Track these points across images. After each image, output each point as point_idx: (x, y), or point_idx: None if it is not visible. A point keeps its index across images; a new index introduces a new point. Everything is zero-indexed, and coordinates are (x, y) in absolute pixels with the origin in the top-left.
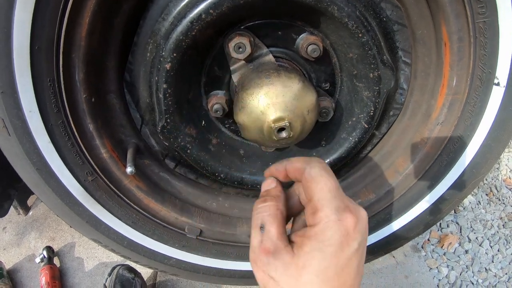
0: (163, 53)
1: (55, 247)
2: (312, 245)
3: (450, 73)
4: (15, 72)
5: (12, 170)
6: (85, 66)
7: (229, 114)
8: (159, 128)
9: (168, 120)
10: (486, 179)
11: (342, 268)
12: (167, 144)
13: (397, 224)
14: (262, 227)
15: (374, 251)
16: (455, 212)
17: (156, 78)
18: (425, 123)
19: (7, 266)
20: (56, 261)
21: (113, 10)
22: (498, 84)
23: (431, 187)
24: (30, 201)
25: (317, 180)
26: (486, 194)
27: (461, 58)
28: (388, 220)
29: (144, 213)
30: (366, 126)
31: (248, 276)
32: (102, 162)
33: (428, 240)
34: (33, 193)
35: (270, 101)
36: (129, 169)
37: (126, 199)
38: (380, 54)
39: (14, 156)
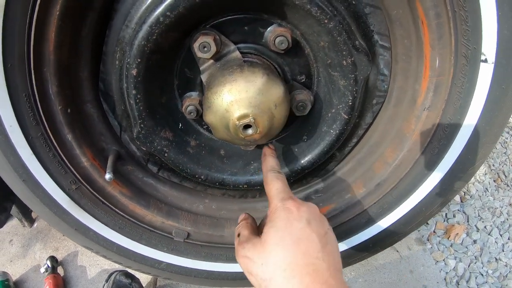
0: (129, 60)
1: (59, 257)
2: (268, 226)
3: (432, 54)
4: None
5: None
6: (57, 79)
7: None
8: (134, 134)
9: (142, 125)
10: (493, 165)
11: (298, 238)
12: (144, 148)
13: (390, 218)
14: (238, 235)
15: (369, 247)
16: (461, 201)
17: (125, 85)
18: (412, 110)
19: (14, 277)
20: (60, 270)
21: (78, 22)
22: (485, 61)
23: (423, 177)
24: (34, 214)
25: (269, 184)
26: (494, 180)
27: (441, 36)
28: (380, 214)
29: (130, 218)
30: (346, 117)
31: (240, 278)
32: (84, 170)
33: (434, 231)
34: None
35: (233, 98)
36: (107, 176)
37: (111, 206)
38: (351, 40)
39: (2, 169)
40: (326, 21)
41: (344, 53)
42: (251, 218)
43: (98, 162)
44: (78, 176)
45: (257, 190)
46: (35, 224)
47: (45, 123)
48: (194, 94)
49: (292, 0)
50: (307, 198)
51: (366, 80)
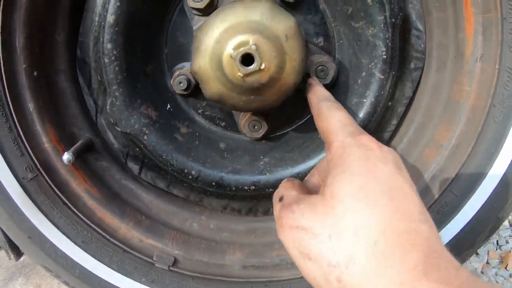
0: (107, 6)
1: None
2: (333, 173)
3: None
4: None
5: None
6: (27, 30)
7: (200, 94)
8: (107, 106)
9: (117, 94)
10: None
11: (389, 188)
12: (118, 127)
13: (455, 226)
14: (281, 198)
15: None
16: (511, 226)
17: (101, 39)
18: (460, 67)
19: None
20: None
21: None
22: None
23: (491, 158)
24: None
25: (327, 116)
26: None
27: None
28: (440, 222)
29: (98, 229)
30: (382, 77)
31: None
32: (44, 154)
33: (487, 263)
34: None
35: (229, 24)
36: (65, 156)
37: (73, 208)
38: None
39: None
40: None
41: None
42: (296, 180)
43: (63, 146)
44: (36, 162)
45: (270, 198)
46: (22, 258)
47: (5, 82)
48: (187, 65)
49: None
50: None
51: (400, 27)
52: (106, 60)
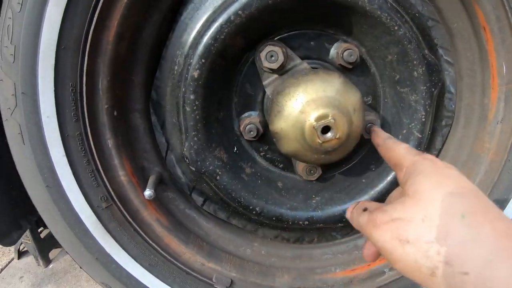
0: (192, 61)
1: None
2: (410, 180)
3: (498, 60)
4: (38, 72)
5: (29, 200)
6: (110, 74)
7: (264, 139)
8: (185, 148)
9: (196, 139)
10: None
11: (459, 180)
12: (193, 168)
13: None
14: (364, 209)
15: None
16: None
17: (183, 89)
18: (483, 127)
19: None
20: None
21: (142, 18)
22: None
23: (504, 203)
24: (52, 254)
25: (394, 148)
26: None
27: (504, 40)
28: None
29: (164, 254)
30: (420, 136)
31: None
32: (119, 186)
33: None
34: (57, 246)
35: (310, 98)
36: (148, 193)
37: (143, 235)
38: (421, 48)
39: (25, 168)
40: (396, 28)
41: (414, 62)
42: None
43: (136, 179)
44: (112, 192)
45: (316, 231)
46: (51, 265)
47: (87, 121)
48: (254, 114)
49: (361, 6)
50: (354, 248)
51: (437, 95)
52: (188, 109)
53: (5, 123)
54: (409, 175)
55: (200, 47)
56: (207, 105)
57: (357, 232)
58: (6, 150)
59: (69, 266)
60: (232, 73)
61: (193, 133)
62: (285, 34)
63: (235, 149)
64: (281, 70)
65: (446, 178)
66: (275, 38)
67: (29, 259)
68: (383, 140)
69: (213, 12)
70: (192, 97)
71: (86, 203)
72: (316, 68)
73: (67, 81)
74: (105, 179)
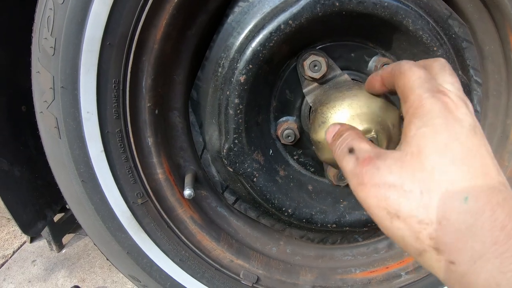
0: (238, 65)
1: None
2: (415, 124)
3: None
4: (81, 67)
5: (54, 190)
6: (154, 73)
7: (298, 144)
8: (224, 150)
9: (236, 141)
10: None
11: (468, 149)
12: (232, 169)
13: None
14: (351, 150)
15: None
16: None
17: (228, 93)
18: (504, 145)
19: None
20: None
21: (189, 19)
22: None
23: None
24: (65, 239)
25: (405, 73)
26: None
27: None
28: None
29: (196, 250)
30: None
31: None
32: (156, 184)
33: None
34: (69, 231)
35: (355, 113)
36: (187, 192)
37: (177, 231)
38: (455, 69)
39: (59, 163)
40: (435, 48)
41: None
42: (353, 127)
43: (173, 177)
44: (149, 189)
45: (340, 233)
46: (64, 250)
47: (128, 118)
48: (291, 119)
49: (405, 26)
50: (390, 246)
51: None
52: (231, 112)
53: (39, 116)
54: (412, 116)
55: (248, 52)
56: (249, 109)
57: (377, 235)
58: (33, 140)
59: (83, 252)
60: (274, 78)
61: (234, 135)
62: (327, 44)
63: (271, 152)
64: (322, 79)
65: (455, 139)
66: (318, 47)
67: (41, 243)
68: (397, 64)
69: (262, 19)
70: (236, 101)
71: (121, 198)
72: (356, 80)
73: (110, 78)
74: (142, 176)
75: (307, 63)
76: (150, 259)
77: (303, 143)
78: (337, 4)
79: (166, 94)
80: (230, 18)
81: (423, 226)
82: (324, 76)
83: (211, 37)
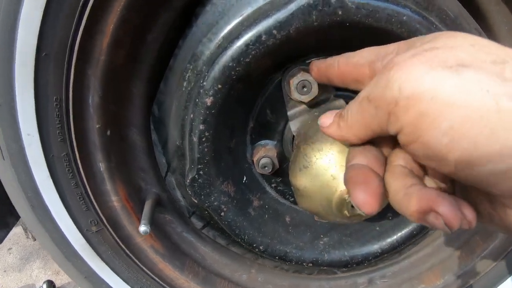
0: (204, 83)
1: (58, 283)
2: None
3: None
4: (15, 82)
5: None
6: (103, 88)
7: (278, 172)
8: (188, 181)
9: (201, 172)
10: None
11: None
12: (196, 201)
13: None
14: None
15: None
16: None
17: (192, 116)
18: None
19: None
20: None
21: (146, 21)
22: None
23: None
24: None
25: (348, 58)
26: None
27: None
28: None
29: (157, 279)
30: None
31: None
32: (111, 211)
33: None
34: None
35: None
36: (142, 228)
37: (136, 260)
38: None
39: (7, 184)
40: None
41: None
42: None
43: (131, 204)
44: (103, 217)
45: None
46: None
47: (74, 141)
48: (271, 144)
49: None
50: (370, 282)
51: None
52: (195, 140)
53: None
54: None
55: (217, 69)
56: (218, 136)
57: (358, 269)
58: None
59: None
60: (252, 96)
61: (199, 166)
62: (318, 58)
63: (245, 179)
64: (312, 102)
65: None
66: (308, 61)
67: (18, 230)
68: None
69: (239, 24)
70: (201, 127)
71: (74, 226)
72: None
73: (50, 96)
74: (95, 204)
75: (294, 82)
76: (110, 285)
77: (284, 171)
78: (340, 13)
79: (121, 110)
80: (200, 20)
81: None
82: (314, 98)
83: (177, 41)
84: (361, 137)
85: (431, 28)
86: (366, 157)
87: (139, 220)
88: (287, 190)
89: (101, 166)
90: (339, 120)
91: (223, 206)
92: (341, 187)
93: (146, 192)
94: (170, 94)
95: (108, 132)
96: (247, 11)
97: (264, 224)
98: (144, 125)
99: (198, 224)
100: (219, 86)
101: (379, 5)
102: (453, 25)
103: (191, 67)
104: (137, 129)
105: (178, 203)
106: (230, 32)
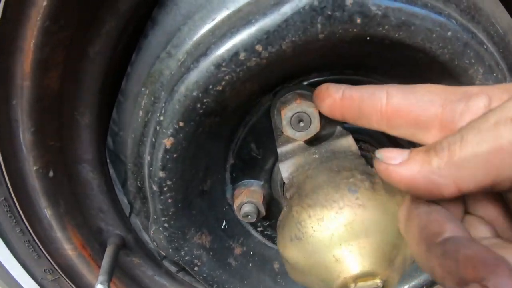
0: (161, 118)
1: None
2: None
3: None
4: None
5: None
6: (35, 121)
7: (265, 217)
8: (151, 233)
9: (166, 225)
10: None
11: None
12: (164, 254)
13: None
14: None
15: None
16: None
17: (149, 158)
18: None
19: None
20: None
21: (83, 32)
22: None
23: None
24: None
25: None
26: None
27: None
28: None
29: None
30: None
31: None
32: (67, 259)
33: None
34: None
35: (355, 241)
36: (98, 287)
37: None
38: None
39: None
40: None
41: None
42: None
43: (89, 251)
44: (56, 267)
45: None
46: None
47: (9, 186)
48: (256, 185)
49: (470, 77)
50: None
51: None
52: (156, 189)
53: None
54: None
55: (177, 100)
56: (185, 182)
57: None
58: None
59: None
60: (232, 127)
61: (163, 218)
62: (328, 78)
63: (224, 224)
64: (312, 138)
65: None
66: (309, 81)
67: None
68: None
69: (208, 33)
70: (161, 174)
71: (27, 274)
72: (366, 152)
73: None
74: (45, 253)
75: (287, 114)
76: None
77: (273, 214)
78: (358, 21)
79: (67, 145)
80: (159, 26)
81: None
82: (316, 134)
83: (131, 55)
84: (466, 187)
85: (479, 52)
86: (456, 225)
87: (99, 267)
88: (275, 235)
89: (47, 212)
90: (429, 155)
91: (196, 261)
92: (345, 272)
93: (107, 234)
94: (124, 125)
95: (51, 173)
96: (221, 14)
97: (248, 274)
98: (98, 159)
99: (172, 268)
100: (181, 124)
101: (416, 12)
102: (501, 43)
103: (146, 91)
104: (89, 165)
105: (146, 245)
106: (196, 45)
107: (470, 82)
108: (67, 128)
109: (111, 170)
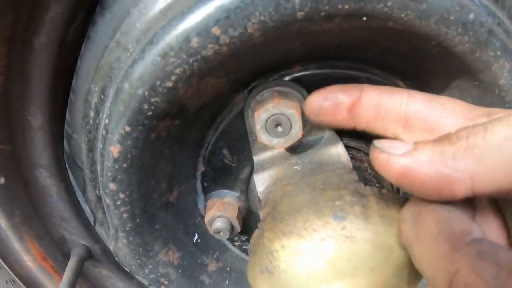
0: (107, 122)
1: None
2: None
3: None
4: None
5: None
6: None
7: (242, 231)
8: (112, 248)
9: (125, 241)
10: None
11: None
12: (128, 270)
13: None
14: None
15: None
16: None
17: (99, 168)
18: None
19: None
20: None
21: (24, 19)
22: None
23: None
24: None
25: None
26: None
27: None
28: None
29: None
30: None
31: None
32: (27, 271)
33: None
34: None
35: (339, 282)
36: None
37: None
38: None
39: None
40: None
41: None
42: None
43: (50, 262)
44: (17, 279)
45: None
46: None
47: None
48: (230, 196)
49: (493, 78)
50: None
51: None
52: (108, 202)
53: None
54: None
55: (121, 100)
56: (143, 195)
57: None
58: None
59: None
60: (200, 131)
61: (122, 234)
62: (313, 72)
63: (196, 237)
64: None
65: None
66: (291, 76)
67: None
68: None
69: (160, 14)
70: (111, 187)
71: None
72: (354, 151)
73: None
74: (3, 264)
75: (261, 117)
76: None
77: (251, 229)
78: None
79: (18, 149)
80: (107, 11)
81: None
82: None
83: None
84: (482, 186)
85: (506, 43)
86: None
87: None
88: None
89: (1, 222)
90: (442, 145)
91: (162, 279)
92: None
93: (71, 244)
94: (77, 126)
95: (2, 180)
96: None
97: None
98: (56, 164)
99: (145, 281)
100: (127, 129)
101: None
102: None
103: (96, 88)
104: (46, 170)
105: (115, 255)
106: (145, 31)
107: (492, 81)
108: (18, 131)
109: (71, 177)
